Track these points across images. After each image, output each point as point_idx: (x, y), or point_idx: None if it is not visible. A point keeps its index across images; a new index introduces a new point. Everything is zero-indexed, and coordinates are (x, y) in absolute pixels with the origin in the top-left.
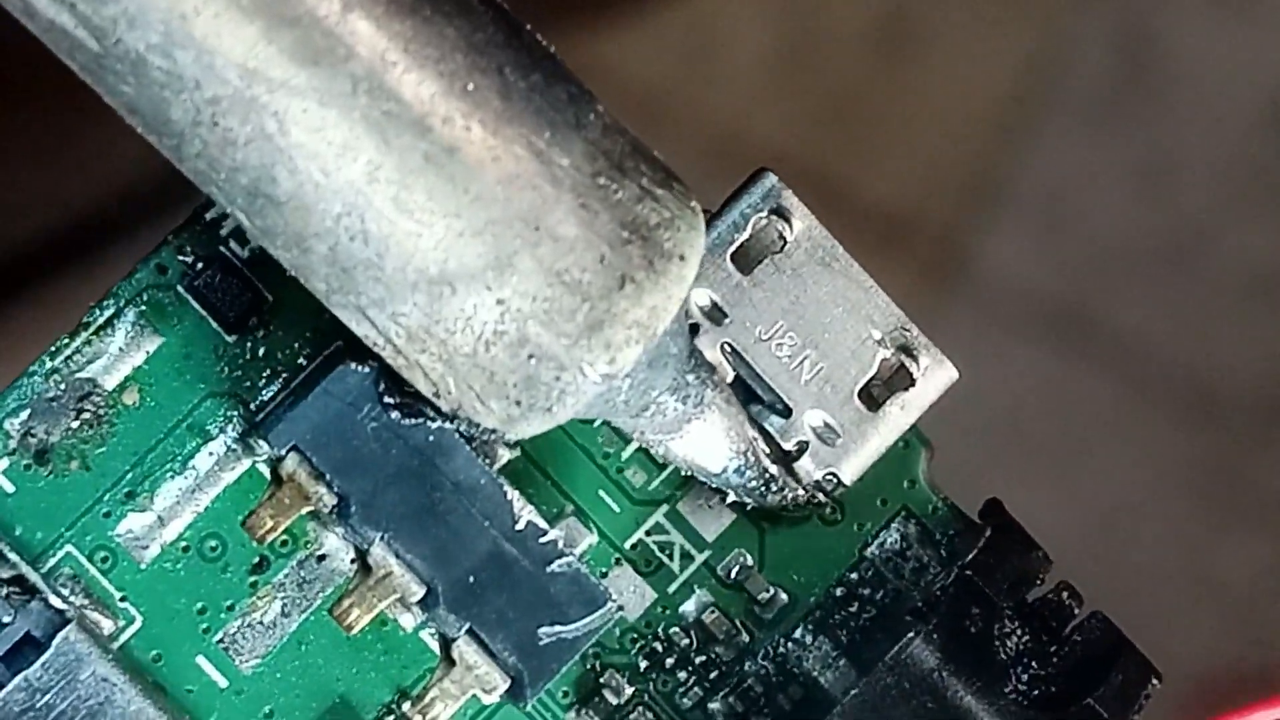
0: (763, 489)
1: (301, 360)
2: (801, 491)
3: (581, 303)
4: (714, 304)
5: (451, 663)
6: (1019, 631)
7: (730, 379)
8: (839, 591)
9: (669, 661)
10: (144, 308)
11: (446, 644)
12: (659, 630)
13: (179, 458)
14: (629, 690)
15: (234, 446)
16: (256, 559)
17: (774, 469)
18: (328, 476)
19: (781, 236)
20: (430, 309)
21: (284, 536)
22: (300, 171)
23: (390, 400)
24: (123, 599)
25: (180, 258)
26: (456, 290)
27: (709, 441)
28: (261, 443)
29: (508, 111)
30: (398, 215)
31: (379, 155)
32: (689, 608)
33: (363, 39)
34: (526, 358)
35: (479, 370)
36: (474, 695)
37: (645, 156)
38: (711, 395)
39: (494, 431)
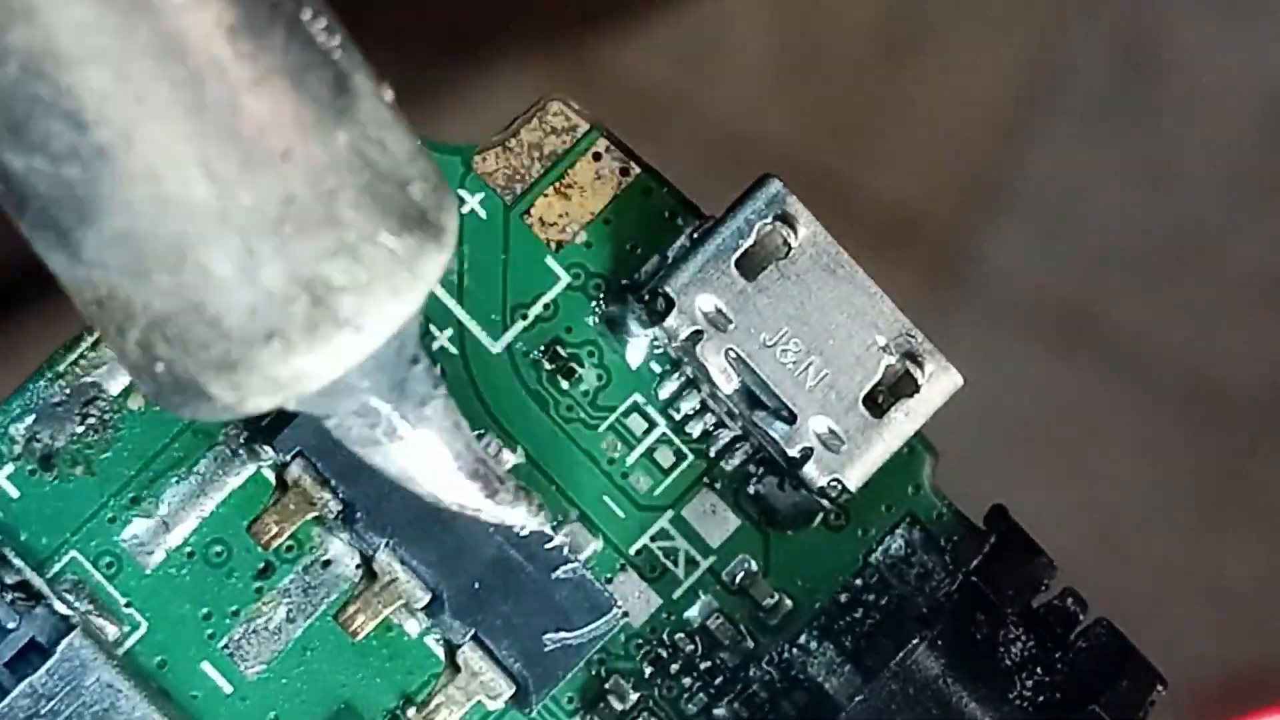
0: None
1: None
2: (524, 512)
3: (217, 340)
4: (718, 310)
5: (456, 669)
6: (1024, 638)
7: (735, 385)
8: (844, 597)
9: (674, 667)
10: None
11: (451, 650)
12: (664, 636)
13: (184, 463)
14: (634, 696)
15: (239, 452)
16: (261, 564)
17: (484, 505)
18: (333, 482)
19: (786, 243)
20: (68, 275)
21: (289, 542)
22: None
23: None
24: (127, 604)
25: None
26: (91, 273)
27: (404, 466)
28: (266, 448)
29: (196, 132)
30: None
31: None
32: (694, 613)
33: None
34: (152, 361)
35: (113, 345)
36: (479, 701)
37: (381, 198)
38: (405, 427)
39: None
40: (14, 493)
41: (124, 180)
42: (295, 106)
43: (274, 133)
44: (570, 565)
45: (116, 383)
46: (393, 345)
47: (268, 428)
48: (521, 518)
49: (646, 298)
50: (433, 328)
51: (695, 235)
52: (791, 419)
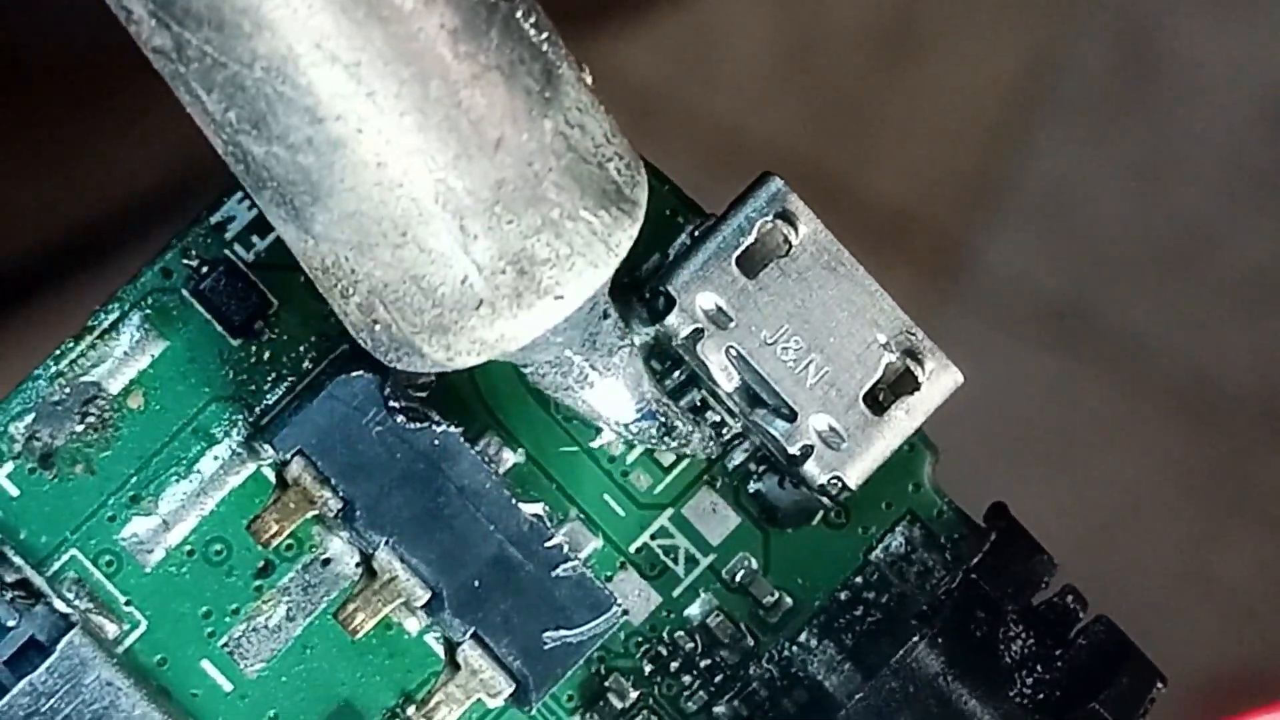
0: (655, 443)
1: (306, 364)
2: (698, 442)
3: (431, 307)
4: (719, 308)
5: (456, 667)
6: (1024, 635)
7: (736, 383)
8: (844, 595)
9: (674, 665)
10: (149, 312)
11: (451, 648)
12: (664, 634)
13: (184, 462)
14: (634, 694)
15: (239, 450)
16: (261, 563)
17: (662, 440)
18: (333, 481)
19: (786, 241)
20: (297, 244)
21: (289, 540)
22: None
23: (395, 404)
24: (127, 603)
25: (185, 261)
26: (319, 245)
27: (592, 407)
28: (266, 447)
29: (419, 125)
30: (283, 155)
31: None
32: (694, 611)
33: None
34: (371, 321)
35: (335, 304)
36: (479, 699)
37: (581, 178)
38: (595, 375)
39: None
40: (14, 491)
41: (353, 167)
42: (508, 99)
43: (489, 123)
44: (570, 563)
45: (116, 381)
46: (587, 306)
47: (267, 426)
48: (697, 447)
49: (647, 296)
50: None
51: (696, 233)
52: (792, 417)
